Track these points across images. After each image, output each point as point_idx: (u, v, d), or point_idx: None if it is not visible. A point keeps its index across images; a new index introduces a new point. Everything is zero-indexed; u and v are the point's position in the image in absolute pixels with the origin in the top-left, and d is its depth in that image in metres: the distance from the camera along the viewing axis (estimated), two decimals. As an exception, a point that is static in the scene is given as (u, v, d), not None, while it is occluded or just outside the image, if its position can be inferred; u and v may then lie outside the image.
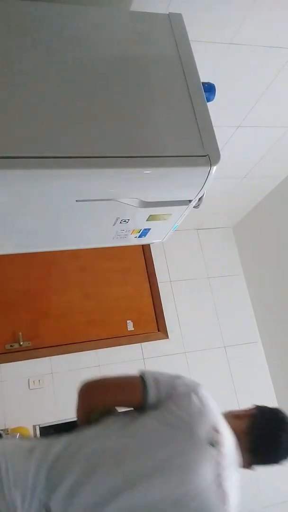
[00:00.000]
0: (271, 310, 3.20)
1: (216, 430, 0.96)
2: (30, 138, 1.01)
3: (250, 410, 1.17)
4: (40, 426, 2.67)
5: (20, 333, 2.74)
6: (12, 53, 1.12)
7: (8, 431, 2.38)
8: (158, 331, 3.10)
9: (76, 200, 1.14)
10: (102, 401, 1.03)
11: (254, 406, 1.19)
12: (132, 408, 1.03)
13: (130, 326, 3.02)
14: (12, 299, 2.87)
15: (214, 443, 0.94)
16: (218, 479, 0.92)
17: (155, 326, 3.11)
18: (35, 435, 2.62)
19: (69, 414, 2.89)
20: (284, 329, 3.03)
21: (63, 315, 2.90)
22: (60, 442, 0.94)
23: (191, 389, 1.02)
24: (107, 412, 1.03)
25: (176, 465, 0.90)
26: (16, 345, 2.72)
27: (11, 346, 2.73)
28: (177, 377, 1.06)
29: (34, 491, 0.85)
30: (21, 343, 2.71)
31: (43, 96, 1.08)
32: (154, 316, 3.13)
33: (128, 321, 3.03)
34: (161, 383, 1.01)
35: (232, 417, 1.09)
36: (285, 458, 1.08)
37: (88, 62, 1.17)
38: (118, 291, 3.09)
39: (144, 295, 3.17)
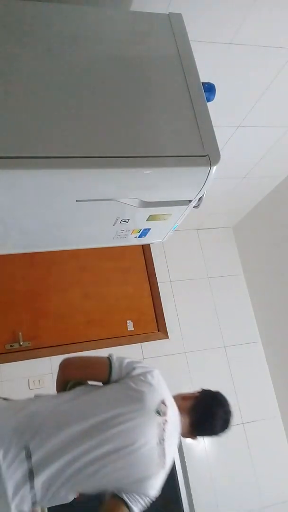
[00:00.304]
0: (271, 310, 3.20)
1: (163, 403, 1.22)
2: (30, 138, 1.01)
3: (195, 393, 1.42)
4: (40, 426, 2.67)
5: (20, 333, 2.74)
6: (12, 53, 1.12)
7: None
8: (158, 331, 3.10)
9: (76, 200, 1.14)
10: (76, 375, 1.30)
11: (200, 390, 1.43)
12: (100, 383, 1.28)
13: (130, 326, 3.02)
14: (12, 299, 2.87)
15: (160, 412, 1.20)
16: (161, 440, 1.19)
17: (155, 326, 3.11)
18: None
19: (69, 414, 2.89)
20: (284, 329, 3.04)
21: (63, 315, 2.91)
22: (41, 401, 1.21)
23: (147, 371, 1.27)
24: (79, 383, 1.28)
25: (128, 423, 1.15)
26: (16, 345, 2.72)
27: (11, 346, 2.73)
28: (137, 361, 1.30)
29: (15, 442, 1.07)
30: (21, 343, 2.71)
31: (43, 96, 1.08)
32: (154, 316, 3.13)
33: (128, 321, 3.03)
34: (124, 364, 1.27)
35: (181, 398, 1.37)
36: (221, 431, 1.37)
37: (88, 62, 1.17)
38: (118, 291, 3.09)
39: (144, 295, 3.17)
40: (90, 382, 1.32)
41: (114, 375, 1.24)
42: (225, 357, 3.18)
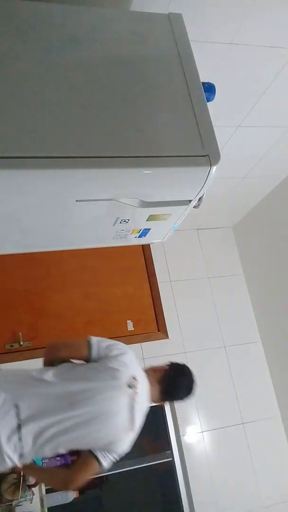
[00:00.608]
0: (271, 310, 3.20)
1: (134, 378, 1.45)
2: (30, 138, 1.01)
3: (164, 365, 1.66)
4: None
5: (20, 333, 2.74)
6: (12, 53, 1.12)
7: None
8: (158, 331, 3.10)
9: (76, 200, 1.14)
10: (61, 354, 1.49)
11: (169, 363, 1.68)
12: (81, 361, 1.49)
13: (130, 326, 3.02)
14: (12, 299, 2.87)
15: (131, 386, 1.43)
16: (131, 408, 1.43)
17: (155, 326, 3.11)
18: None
19: (69, 414, 2.88)
20: (284, 329, 3.04)
21: (63, 315, 2.91)
22: (32, 371, 1.43)
23: (122, 352, 1.48)
24: (64, 361, 1.49)
25: (104, 394, 1.39)
26: (16, 345, 2.72)
27: (11, 346, 2.73)
28: (114, 344, 1.51)
29: (8, 401, 1.30)
30: (21, 343, 2.71)
31: (43, 96, 1.08)
32: (154, 316, 3.13)
33: (128, 321, 3.03)
34: (102, 346, 1.48)
35: (152, 370, 1.61)
36: (185, 397, 1.65)
37: (88, 62, 1.17)
38: (118, 291, 3.09)
39: (144, 295, 3.17)
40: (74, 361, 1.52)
41: (94, 354, 1.46)
42: (225, 357, 3.18)
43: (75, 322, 2.91)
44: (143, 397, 1.49)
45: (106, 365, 1.43)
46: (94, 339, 1.49)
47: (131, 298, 3.11)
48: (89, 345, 1.47)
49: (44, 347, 1.53)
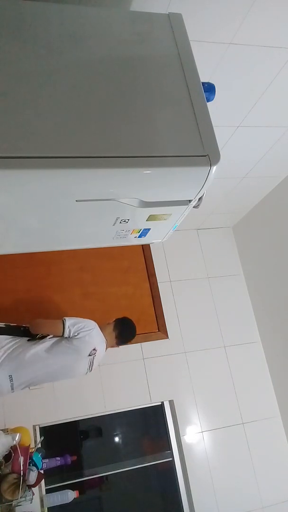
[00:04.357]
0: (271, 310, 3.20)
1: (94, 350, 2.14)
2: (30, 138, 1.01)
3: (114, 320, 2.36)
4: (40, 426, 2.68)
5: None
6: (12, 53, 1.12)
7: (8, 431, 2.38)
8: (158, 331, 3.10)
9: (76, 200, 1.14)
10: (41, 331, 2.16)
11: (115, 319, 2.37)
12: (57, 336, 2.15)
13: None
14: (13, 298, 2.86)
15: (92, 355, 2.14)
16: (90, 364, 2.17)
17: (156, 326, 3.10)
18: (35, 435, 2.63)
19: (69, 414, 2.91)
20: (284, 329, 3.04)
21: (63, 314, 2.90)
22: (22, 347, 2.09)
23: (88, 333, 2.12)
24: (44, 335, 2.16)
25: (72, 364, 2.13)
26: None
27: None
28: (83, 326, 2.12)
29: (4, 371, 2.01)
30: None
31: (42, 96, 1.08)
32: (155, 316, 3.13)
33: None
34: (74, 327, 2.11)
35: (106, 324, 2.31)
36: (132, 338, 2.41)
37: (88, 62, 1.17)
38: (118, 290, 3.09)
39: (144, 295, 3.16)
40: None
41: (66, 333, 2.09)
42: (225, 357, 3.18)
43: None
44: (100, 354, 2.20)
45: (74, 342, 2.09)
46: (67, 322, 2.10)
47: (131, 298, 3.10)
48: (63, 326, 2.09)
49: (30, 325, 2.17)
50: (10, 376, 2.01)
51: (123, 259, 3.18)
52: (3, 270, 2.88)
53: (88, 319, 2.22)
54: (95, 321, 2.23)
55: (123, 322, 2.37)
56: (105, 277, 3.09)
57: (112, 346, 2.30)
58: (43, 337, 2.16)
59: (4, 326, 2.22)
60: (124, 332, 2.34)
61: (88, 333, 2.10)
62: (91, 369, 2.20)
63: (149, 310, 3.14)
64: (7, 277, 2.90)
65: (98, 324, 2.22)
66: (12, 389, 2.05)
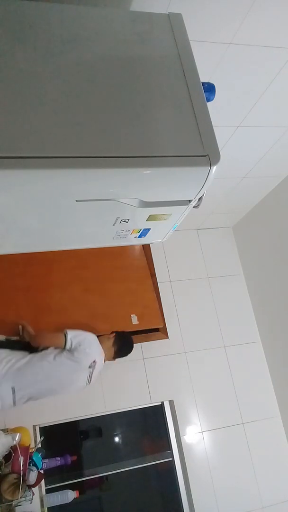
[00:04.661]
0: (271, 310, 3.20)
1: (94, 362, 2.19)
2: (30, 138, 1.01)
3: (112, 333, 2.44)
4: (40, 426, 2.68)
5: (21, 327, 2.62)
6: (12, 53, 1.12)
7: (8, 431, 2.38)
8: (158, 331, 3.09)
9: (76, 200, 1.14)
10: (44, 344, 2.21)
11: (114, 332, 2.45)
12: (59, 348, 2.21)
13: (134, 320, 2.94)
14: (13, 296, 2.79)
15: (91, 367, 2.19)
16: (89, 376, 2.21)
17: (161, 320, 3.00)
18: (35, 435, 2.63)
19: (69, 414, 2.90)
20: (284, 329, 3.04)
21: (65, 310, 2.80)
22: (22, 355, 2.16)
23: (87, 345, 2.19)
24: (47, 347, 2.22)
25: (70, 373, 2.17)
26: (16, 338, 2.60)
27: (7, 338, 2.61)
28: (83, 339, 2.21)
29: (7, 384, 2.04)
30: (21, 333, 2.55)
31: (42, 96, 1.08)
32: (159, 310, 3.05)
33: (132, 315, 2.96)
34: (74, 340, 2.18)
35: (105, 338, 2.37)
36: (129, 353, 2.48)
37: (88, 62, 1.17)
38: (121, 286, 2.99)
39: (148, 290, 3.04)
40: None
41: (68, 345, 2.16)
42: (225, 357, 3.18)
43: (77, 316, 2.79)
44: (99, 366, 2.26)
45: (75, 355, 2.16)
46: (69, 335, 2.19)
47: (134, 293, 3.02)
48: (65, 338, 2.18)
49: (33, 338, 2.25)
50: (13, 388, 2.04)
51: (123, 258, 3.14)
52: (3, 267, 2.86)
53: (89, 332, 2.28)
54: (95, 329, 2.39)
55: (123, 337, 2.43)
56: (106, 275, 3.05)
57: (109, 360, 2.38)
58: (43, 349, 2.21)
59: (4, 340, 2.28)
60: (123, 347, 2.42)
61: (89, 345, 2.19)
62: (90, 382, 2.25)
63: (153, 304, 3.05)
64: (8, 275, 2.86)
65: (97, 338, 2.30)
66: (14, 403, 2.08)
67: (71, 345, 2.15)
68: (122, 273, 3.09)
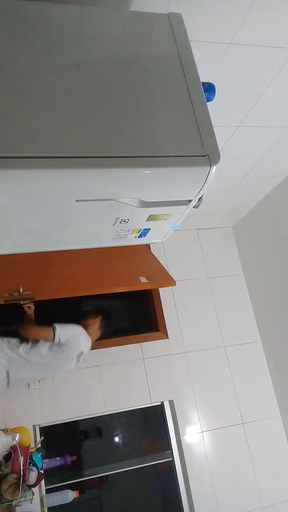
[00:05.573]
0: (271, 310, 3.20)
1: (81, 353, 2.33)
2: (30, 138, 1.01)
3: (98, 316, 2.50)
4: (40, 426, 2.68)
5: (21, 288, 2.36)
6: (12, 53, 1.12)
7: (8, 431, 2.38)
8: (158, 331, 3.10)
9: (76, 200, 1.14)
10: (31, 337, 2.30)
11: (99, 314, 2.52)
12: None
13: (143, 279, 2.81)
14: (12, 262, 2.58)
15: (79, 357, 2.34)
16: (77, 363, 2.35)
17: (171, 280, 2.77)
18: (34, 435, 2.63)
19: (69, 414, 2.91)
20: (284, 329, 3.04)
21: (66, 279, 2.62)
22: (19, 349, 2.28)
23: (75, 340, 2.30)
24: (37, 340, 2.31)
25: (59, 363, 2.34)
26: (15, 294, 2.35)
27: (9, 294, 2.34)
28: (71, 334, 2.30)
29: (2, 369, 2.21)
30: (21, 290, 2.34)
31: (42, 96, 1.08)
32: (166, 273, 2.85)
33: (140, 277, 2.83)
34: (62, 336, 2.26)
35: (91, 321, 2.45)
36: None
37: (87, 62, 1.17)
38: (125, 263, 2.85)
39: (154, 263, 2.92)
40: None
41: (56, 340, 2.24)
42: (225, 357, 3.18)
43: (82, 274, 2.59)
44: (86, 351, 2.38)
45: (64, 348, 2.27)
46: (57, 330, 2.25)
47: (139, 264, 2.87)
48: (54, 332, 2.25)
49: (23, 329, 2.30)
50: (8, 372, 2.20)
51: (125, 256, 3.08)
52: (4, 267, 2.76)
53: (76, 325, 2.36)
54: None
55: (108, 318, 2.56)
56: (106, 272, 2.98)
57: (96, 339, 2.50)
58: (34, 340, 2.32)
59: None
60: (108, 327, 2.56)
61: (77, 340, 2.31)
62: (78, 361, 2.41)
63: (160, 268, 2.89)
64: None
65: (83, 322, 2.41)
66: (8, 384, 2.24)
67: (59, 340, 2.25)
68: (125, 256, 2.92)
